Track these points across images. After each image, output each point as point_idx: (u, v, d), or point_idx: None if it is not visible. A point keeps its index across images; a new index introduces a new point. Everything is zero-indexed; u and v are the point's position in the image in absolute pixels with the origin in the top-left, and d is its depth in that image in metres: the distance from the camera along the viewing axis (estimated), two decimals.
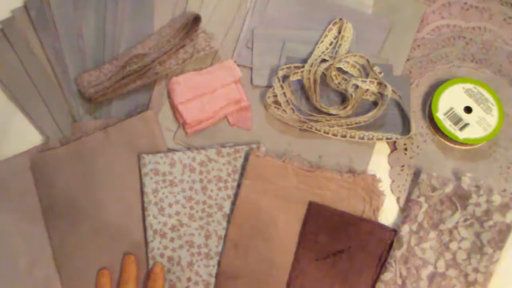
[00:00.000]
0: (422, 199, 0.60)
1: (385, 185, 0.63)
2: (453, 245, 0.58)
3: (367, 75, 0.66)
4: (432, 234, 0.59)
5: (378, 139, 0.63)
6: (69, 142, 0.63)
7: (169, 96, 0.66)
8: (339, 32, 0.68)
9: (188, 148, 0.64)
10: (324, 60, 0.66)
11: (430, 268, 0.58)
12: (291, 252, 0.59)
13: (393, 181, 0.63)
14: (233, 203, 0.61)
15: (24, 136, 0.65)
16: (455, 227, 0.59)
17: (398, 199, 0.62)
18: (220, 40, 0.69)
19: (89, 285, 0.59)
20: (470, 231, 0.59)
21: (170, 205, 0.60)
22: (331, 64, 0.65)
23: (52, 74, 0.68)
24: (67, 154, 0.62)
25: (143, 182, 0.60)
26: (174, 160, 0.61)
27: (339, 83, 0.65)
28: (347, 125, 0.63)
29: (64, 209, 0.61)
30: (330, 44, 0.68)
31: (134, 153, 0.62)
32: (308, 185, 0.61)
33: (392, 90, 0.64)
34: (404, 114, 0.65)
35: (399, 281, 0.58)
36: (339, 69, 0.66)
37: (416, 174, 0.63)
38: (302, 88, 0.66)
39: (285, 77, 0.66)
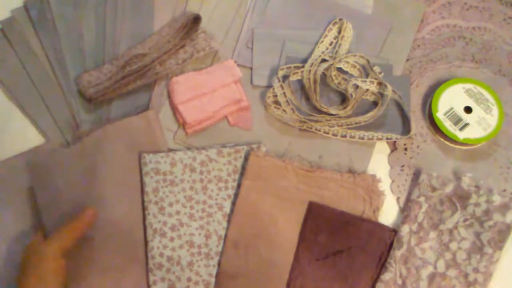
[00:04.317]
0: (422, 199, 0.60)
1: (385, 185, 0.63)
2: (453, 245, 0.58)
3: (367, 75, 0.66)
4: (432, 234, 0.59)
5: (378, 139, 0.63)
6: (70, 143, 0.63)
7: (169, 96, 0.66)
8: (339, 32, 0.68)
9: (189, 148, 0.64)
10: (324, 60, 0.66)
11: (430, 268, 0.58)
12: (291, 252, 0.59)
13: (393, 181, 0.63)
14: (233, 203, 0.61)
15: (24, 136, 0.65)
16: (455, 227, 0.59)
17: (398, 199, 0.62)
18: (220, 40, 0.69)
19: (89, 285, 0.59)
20: (470, 231, 0.59)
21: (170, 205, 0.60)
22: (331, 64, 0.65)
23: (52, 74, 0.68)
24: (67, 154, 0.62)
25: (144, 181, 0.60)
26: (175, 160, 0.61)
27: (339, 83, 0.65)
28: (347, 125, 0.63)
29: (64, 209, 0.60)
30: (330, 44, 0.68)
31: (135, 152, 0.62)
32: (308, 185, 0.61)
33: (392, 90, 0.64)
34: (404, 114, 0.65)
35: (399, 281, 0.58)
36: (339, 69, 0.66)
37: (416, 174, 0.63)
38: (302, 88, 0.66)
39: (285, 77, 0.66)
